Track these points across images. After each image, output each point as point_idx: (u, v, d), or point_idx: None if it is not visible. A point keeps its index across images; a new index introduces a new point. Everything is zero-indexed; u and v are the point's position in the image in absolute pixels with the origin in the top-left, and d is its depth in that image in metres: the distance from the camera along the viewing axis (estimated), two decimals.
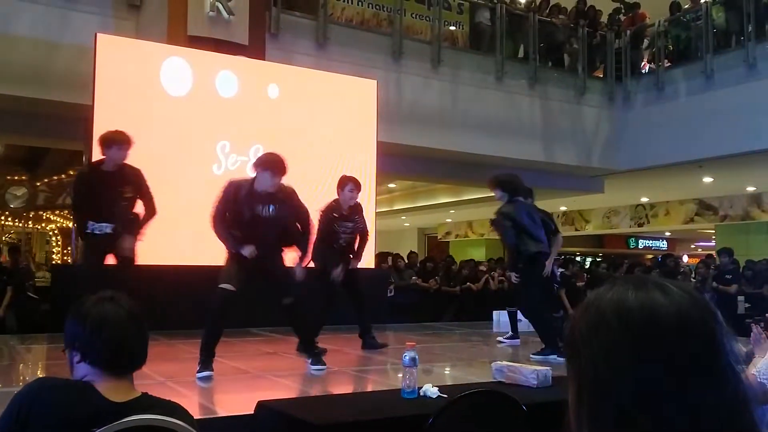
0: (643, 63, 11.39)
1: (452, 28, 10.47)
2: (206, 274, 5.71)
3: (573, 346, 0.79)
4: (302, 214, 4.77)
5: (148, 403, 1.68)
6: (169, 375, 4.23)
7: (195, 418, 1.74)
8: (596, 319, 0.77)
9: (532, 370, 3.38)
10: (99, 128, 6.66)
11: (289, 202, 4.63)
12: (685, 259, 19.74)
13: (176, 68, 7.22)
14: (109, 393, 1.64)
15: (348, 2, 9.44)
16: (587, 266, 16.47)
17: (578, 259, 19.59)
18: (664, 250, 22.26)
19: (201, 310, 4.60)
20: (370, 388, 4.37)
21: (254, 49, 7.62)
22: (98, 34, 6.71)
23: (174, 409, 1.69)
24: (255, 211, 4.46)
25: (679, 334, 0.73)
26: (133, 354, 1.70)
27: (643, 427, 0.71)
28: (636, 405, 0.71)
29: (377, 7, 9.64)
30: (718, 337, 0.74)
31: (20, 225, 12.89)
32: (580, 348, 0.77)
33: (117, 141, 4.96)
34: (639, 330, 0.73)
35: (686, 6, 10.82)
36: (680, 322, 0.73)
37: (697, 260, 15.44)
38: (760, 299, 9.65)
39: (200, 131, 7.27)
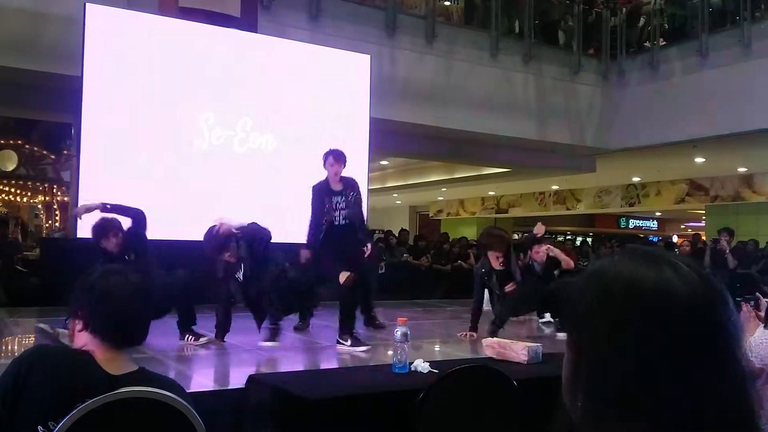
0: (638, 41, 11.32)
1: (447, 3, 10.36)
2: (184, 248, 5.68)
3: (575, 317, 0.76)
4: None
5: (144, 377, 1.69)
6: (159, 349, 4.22)
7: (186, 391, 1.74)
8: (604, 293, 0.73)
9: (523, 347, 3.39)
10: (88, 100, 6.60)
11: None
12: (675, 239, 19.84)
13: (166, 40, 7.12)
14: (107, 365, 1.65)
15: None
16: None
17: (569, 237, 19.68)
18: (655, 230, 22.41)
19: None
20: (361, 364, 4.37)
21: (246, 21, 7.51)
22: (87, 4, 6.59)
23: (170, 385, 1.69)
24: None
25: (688, 317, 0.70)
26: (134, 329, 1.71)
27: (644, 407, 0.69)
28: (638, 385, 0.69)
29: None
30: (725, 322, 0.72)
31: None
32: (584, 321, 0.74)
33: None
34: (648, 311, 0.71)
35: None
36: (691, 304, 0.71)
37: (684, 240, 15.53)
38: (749, 279, 9.73)
39: (190, 104, 7.18)
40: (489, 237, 5.63)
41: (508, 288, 5.35)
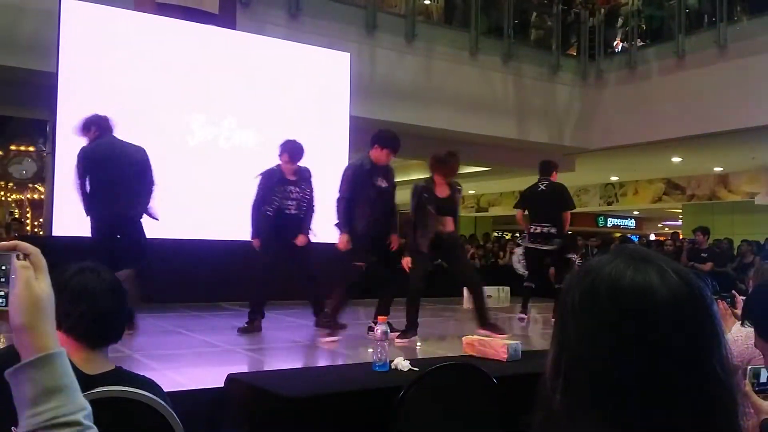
0: (616, 42, 11.44)
1: (427, 2, 10.37)
2: (172, 246, 5.64)
3: (563, 312, 0.76)
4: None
5: (121, 376, 1.66)
6: (137, 348, 4.18)
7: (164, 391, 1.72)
8: (590, 292, 0.74)
9: (503, 344, 3.41)
10: (63, 96, 6.50)
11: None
12: (652, 237, 20.07)
13: (143, 37, 7.03)
14: (83, 364, 1.61)
15: None
16: None
17: None
18: (633, 229, 22.65)
19: (166, 282, 4.54)
20: (341, 362, 4.36)
21: (225, 18, 7.44)
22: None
23: (147, 385, 1.66)
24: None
25: (666, 323, 0.70)
26: (110, 327, 1.68)
27: (614, 411, 0.69)
28: (610, 388, 0.70)
29: None
30: (704, 328, 0.72)
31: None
32: (569, 317, 0.75)
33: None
34: (627, 314, 0.71)
35: None
36: (670, 310, 0.70)
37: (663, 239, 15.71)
38: (724, 277, 9.86)
39: (169, 102, 7.11)
40: None
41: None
